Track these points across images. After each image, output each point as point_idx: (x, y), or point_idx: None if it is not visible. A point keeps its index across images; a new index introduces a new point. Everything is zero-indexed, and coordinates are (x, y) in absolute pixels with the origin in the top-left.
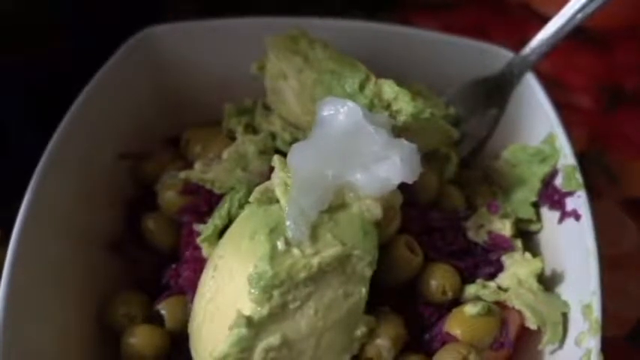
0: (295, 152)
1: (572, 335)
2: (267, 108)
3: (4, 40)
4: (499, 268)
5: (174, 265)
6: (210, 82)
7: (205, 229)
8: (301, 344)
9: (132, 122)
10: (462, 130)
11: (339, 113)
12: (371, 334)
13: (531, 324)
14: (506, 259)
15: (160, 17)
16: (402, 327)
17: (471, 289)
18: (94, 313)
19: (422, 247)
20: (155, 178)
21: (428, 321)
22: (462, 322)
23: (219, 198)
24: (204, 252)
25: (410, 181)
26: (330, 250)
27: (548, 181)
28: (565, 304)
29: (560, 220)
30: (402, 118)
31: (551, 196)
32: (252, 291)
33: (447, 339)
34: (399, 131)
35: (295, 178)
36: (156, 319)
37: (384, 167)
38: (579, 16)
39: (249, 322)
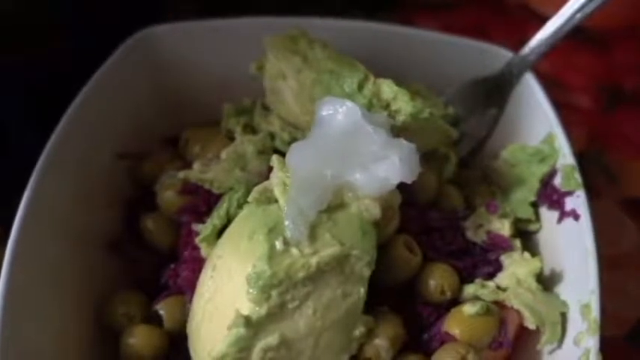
0: (294, 152)
1: (571, 335)
2: (266, 108)
3: (4, 40)
4: (498, 267)
5: (172, 265)
6: (209, 82)
7: (204, 229)
8: (300, 344)
9: (131, 122)
10: (461, 129)
11: (338, 113)
12: (369, 334)
13: (530, 324)
14: (505, 259)
15: (159, 17)
16: (401, 327)
17: (469, 289)
18: (92, 312)
19: (421, 246)
20: (154, 178)
21: (426, 321)
22: (461, 322)
23: (217, 198)
24: (203, 252)
25: (409, 181)
26: (329, 250)
27: (547, 181)
28: (564, 303)
29: (559, 219)
30: (400, 118)
31: (550, 195)
32: (251, 291)
33: (446, 339)
34: (397, 131)
35: (294, 178)
36: (154, 319)
37: (383, 167)
38: (578, 15)
39: (248, 321)
